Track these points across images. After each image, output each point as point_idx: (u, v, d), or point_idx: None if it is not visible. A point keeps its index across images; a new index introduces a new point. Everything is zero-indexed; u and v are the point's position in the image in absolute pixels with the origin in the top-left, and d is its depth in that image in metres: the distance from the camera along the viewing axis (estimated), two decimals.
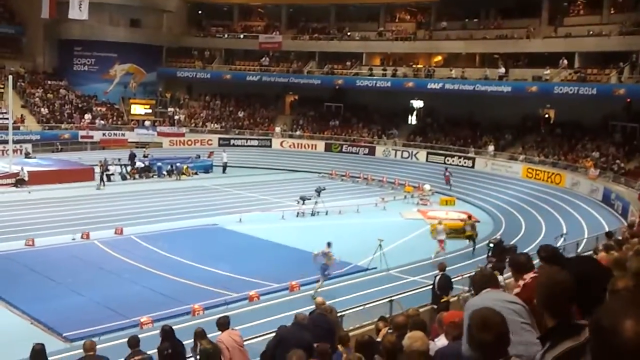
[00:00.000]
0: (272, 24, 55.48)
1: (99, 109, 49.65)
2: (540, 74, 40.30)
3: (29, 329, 15.20)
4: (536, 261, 5.48)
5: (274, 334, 9.26)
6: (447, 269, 15.28)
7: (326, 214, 29.90)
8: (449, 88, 43.81)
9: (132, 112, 50.69)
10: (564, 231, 24.04)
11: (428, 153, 43.81)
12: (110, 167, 37.08)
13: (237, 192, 35.39)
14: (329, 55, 51.19)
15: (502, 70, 42.08)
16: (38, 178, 34.32)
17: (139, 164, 39.42)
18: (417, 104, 49.92)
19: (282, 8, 54.96)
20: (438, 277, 14.67)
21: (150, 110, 51.19)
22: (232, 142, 48.73)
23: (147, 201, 31.82)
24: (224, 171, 41.97)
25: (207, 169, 42.26)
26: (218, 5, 56.69)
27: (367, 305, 13.79)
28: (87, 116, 47.63)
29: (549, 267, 3.41)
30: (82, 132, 45.74)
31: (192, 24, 57.50)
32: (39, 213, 28.04)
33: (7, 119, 39.24)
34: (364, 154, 46.13)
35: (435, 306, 13.13)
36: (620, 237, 14.66)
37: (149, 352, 9.80)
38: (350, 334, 8.93)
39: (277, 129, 50.15)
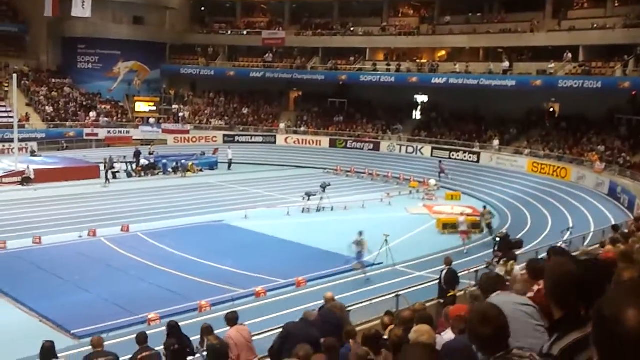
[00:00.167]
0: (275, 20, 55.44)
1: (103, 106, 49.75)
2: (544, 67, 40.18)
3: (37, 327, 15.28)
4: None
5: (281, 330, 9.29)
6: (453, 263, 15.28)
7: (332, 209, 29.92)
8: (453, 83, 43.75)
9: (137, 109, 50.76)
10: (570, 225, 23.98)
11: (433, 148, 43.75)
12: (115, 165, 37.19)
13: (242, 189, 35.43)
14: (333, 50, 51.14)
15: (507, 64, 41.98)
16: (44, 176, 34.43)
17: (143, 162, 39.48)
18: (422, 98, 49.82)
19: (285, 4, 54.91)
20: (444, 272, 14.68)
21: (154, 108, 51.26)
22: (236, 138, 48.77)
23: (153, 198, 31.89)
24: (229, 168, 42.02)
25: (212, 166, 42.31)
26: (221, 2, 56.74)
27: (374, 300, 13.82)
28: (92, 114, 47.72)
29: (557, 259, 3.41)
30: (87, 130, 45.83)
31: (195, 21, 57.52)
32: (46, 211, 28.14)
33: (12, 117, 39.34)
34: (369, 150, 46.11)
35: (442, 300, 13.16)
36: (626, 231, 14.64)
37: (156, 349, 9.85)
38: (357, 328, 8.96)
39: (282, 125, 50.16)
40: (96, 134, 45.88)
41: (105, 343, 9.98)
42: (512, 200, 32.53)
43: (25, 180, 33.82)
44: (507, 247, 18.58)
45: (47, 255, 21.24)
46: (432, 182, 35.44)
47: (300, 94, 54.64)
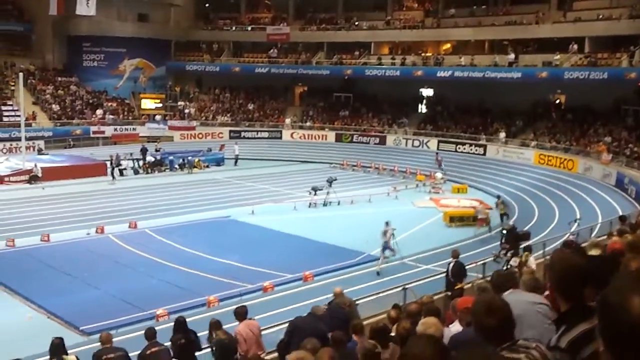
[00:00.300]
0: (280, 16, 55.38)
1: (109, 104, 49.85)
2: (550, 59, 40.02)
3: (46, 323, 15.37)
4: None
5: (288, 324, 9.33)
6: (460, 256, 15.28)
7: (338, 204, 29.94)
8: (458, 76, 43.63)
9: (143, 106, 50.85)
10: (578, 216, 23.92)
11: (439, 141, 43.66)
12: (122, 162, 37.29)
13: (249, 184, 35.47)
14: (337, 45, 51.06)
15: (512, 56, 41.84)
16: (51, 174, 34.56)
17: (150, 158, 39.57)
18: (427, 92, 49.75)
19: None
20: (452, 264, 14.70)
21: (160, 105, 51.35)
22: (242, 134, 48.82)
23: (160, 195, 31.96)
24: (235, 163, 42.07)
25: (219, 162, 42.37)
26: None
27: (381, 294, 13.84)
28: (99, 111, 47.85)
29: (562, 251, 3.42)
30: (93, 128, 45.98)
31: (199, 17, 57.52)
32: (53, 209, 28.26)
33: (19, 116, 39.51)
34: (375, 144, 46.08)
35: (450, 293, 13.17)
36: (634, 221, 14.60)
37: (165, 344, 9.89)
38: (365, 322, 8.97)
39: (287, 121, 50.15)
40: (103, 132, 46.03)
41: (114, 339, 10.05)
42: (519, 192, 32.47)
43: (33, 179, 33.96)
44: (514, 239, 18.57)
45: (55, 253, 21.34)
46: (439, 175, 35.41)
47: (306, 89, 54.64)
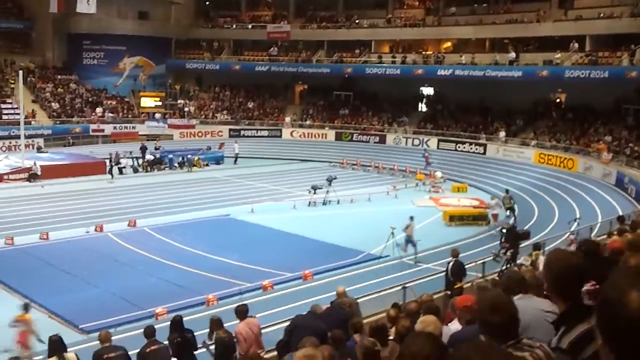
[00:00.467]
0: (280, 14, 55.36)
1: (109, 102, 49.85)
2: (550, 58, 40.01)
3: (45, 322, 15.32)
4: None
5: (289, 323, 9.31)
6: (460, 255, 15.26)
7: (338, 203, 29.92)
8: (459, 74, 43.62)
9: (142, 104, 50.82)
10: (577, 216, 23.93)
11: (439, 140, 43.66)
12: (121, 160, 37.28)
13: (248, 183, 35.46)
14: (338, 43, 51.05)
15: (513, 55, 41.80)
16: (51, 172, 34.54)
17: (149, 157, 39.56)
18: (427, 90, 49.75)
19: None
20: (451, 264, 14.68)
21: (160, 103, 51.33)
22: (242, 132, 48.80)
23: (159, 193, 31.95)
24: (235, 162, 42.06)
25: (218, 160, 42.35)
26: None
27: (381, 293, 13.83)
28: (99, 109, 47.84)
29: (558, 251, 3.40)
30: (93, 126, 45.97)
31: (199, 15, 57.52)
32: (53, 207, 28.25)
33: (19, 114, 39.48)
34: (375, 143, 46.07)
35: (449, 292, 13.16)
36: (634, 220, 14.58)
37: (164, 343, 9.88)
38: (365, 321, 8.96)
39: (287, 119, 50.14)
40: (102, 130, 46.02)
41: (113, 337, 10.02)
42: (518, 191, 32.41)
43: (32, 177, 33.94)
44: (514, 238, 18.55)
45: (54, 251, 21.33)
46: (439, 174, 35.39)
47: (306, 87, 54.62)
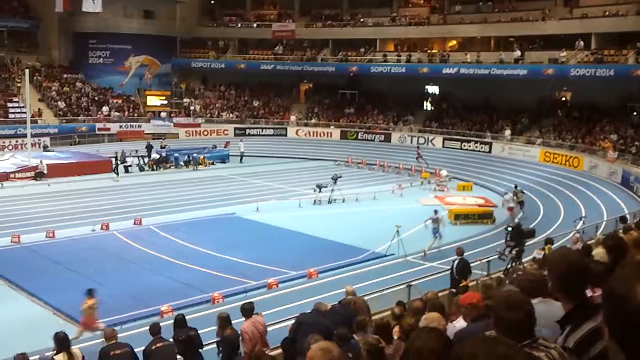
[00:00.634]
0: (285, 12, 55.37)
1: (115, 101, 49.96)
2: (556, 56, 39.90)
3: (51, 319, 15.40)
4: None
5: (294, 320, 9.33)
6: (465, 253, 15.25)
7: (343, 201, 29.92)
8: (464, 73, 43.54)
9: (148, 103, 50.94)
10: (583, 214, 23.88)
11: (444, 139, 43.62)
12: (127, 159, 37.36)
13: (253, 182, 35.50)
14: (343, 42, 51.04)
15: (518, 53, 41.72)
16: (57, 171, 34.65)
17: (155, 155, 39.65)
18: (433, 89, 49.69)
19: None
20: (456, 262, 14.67)
21: (165, 102, 51.44)
22: (247, 131, 48.86)
23: (165, 192, 32.01)
24: (241, 161, 42.11)
25: (224, 159, 42.40)
26: None
27: (386, 291, 13.83)
28: (105, 108, 47.98)
29: (561, 250, 3.40)
30: (99, 125, 46.10)
31: (205, 14, 57.57)
32: (59, 205, 28.33)
33: (25, 113, 39.62)
34: (380, 141, 46.05)
35: (454, 290, 13.15)
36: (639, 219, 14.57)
37: (169, 340, 9.91)
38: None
39: (293, 118, 50.16)
40: (108, 129, 46.16)
41: (119, 335, 10.07)
42: (524, 190, 32.35)
43: (39, 175, 34.06)
44: (519, 236, 18.51)
45: (60, 249, 21.41)
46: (444, 172, 35.39)
47: (311, 86, 54.62)
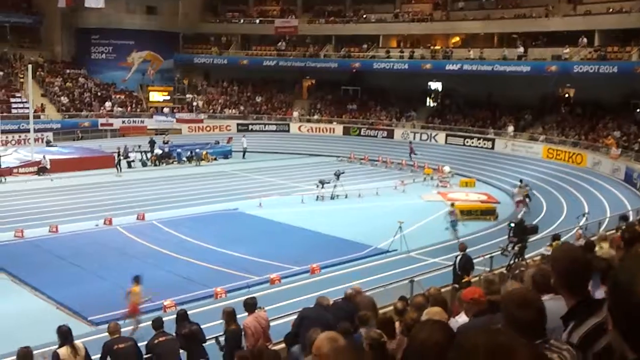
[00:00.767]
0: (288, 8, 55.30)
1: (117, 96, 49.99)
2: (559, 53, 39.81)
3: (54, 313, 15.45)
4: None
5: (297, 315, 9.36)
6: (467, 249, 15.26)
7: (345, 197, 29.93)
8: (467, 69, 43.47)
9: (151, 99, 50.99)
10: (586, 211, 23.87)
11: (447, 135, 43.58)
12: (130, 154, 37.42)
13: (256, 177, 35.52)
14: (346, 38, 50.98)
15: (521, 49, 41.64)
16: (60, 166, 34.74)
17: (158, 151, 39.69)
18: (435, 85, 49.63)
19: None
20: (459, 258, 14.68)
21: (168, 97, 51.49)
22: (250, 127, 48.88)
23: (168, 187, 32.05)
24: (243, 156, 42.13)
25: (226, 155, 42.45)
26: None
27: (388, 287, 13.84)
28: (108, 104, 48.02)
29: (563, 246, 3.41)
30: (101, 120, 46.15)
31: (207, 10, 57.50)
32: (62, 200, 28.39)
33: (28, 108, 39.68)
34: (383, 137, 46.02)
35: (457, 286, 13.16)
36: None
37: (172, 334, 9.95)
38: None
39: (295, 114, 50.16)
40: (111, 124, 46.20)
41: (122, 329, 10.10)
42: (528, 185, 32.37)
43: (42, 170, 34.13)
44: (522, 233, 18.52)
45: (63, 244, 21.45)
46: (447, 169, 35.38)
47: (314, 82, 54.59)
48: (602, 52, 37.89)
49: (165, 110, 49.73)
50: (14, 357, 8.41)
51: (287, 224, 24.93)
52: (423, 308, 6.59)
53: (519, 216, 24.37)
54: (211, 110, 51.36)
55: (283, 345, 9.32)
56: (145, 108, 50.00)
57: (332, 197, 29.78)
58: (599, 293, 3.41)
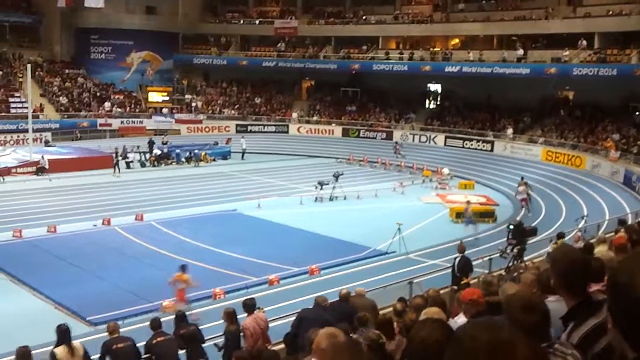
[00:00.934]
0: (288, 9, 55.33)
1: (116, 96, 49.97)
2: (559, 55, 39.82)
3: (52, 314, 15.43)
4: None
5: (296, 316, 9.35)
6: (466, 251, 15.24)
7: (344, 198, 29.93)
8: (466, 71, 43.48)
9: (150, 99, 50.97)
10: (585, 213, 23.87)
11: (446, 137, 43.59)
12: (129, 155, 37.40)
13: (255, 178, 35.51)
14: (345, 39, 51.00)
15: (521, 52, 41.64)
16: (58, 166, 34.71)
17: (157, 151, 39.68)
18: (435, 87, 49.64)
19: None
20: (458, 259, 14.67)
21: (167, 98, 51.47)
22: (249, 128, 48.87)
23: (167, 188, 32.04)
24: (242, 157, 42.13)
25: (225, 156, 42.45)
26: None
27: (387, 288, 13.83)
28: (107, 104, 47.99)
29: (563, 247, 3.41)
30: (100, 120, 46.10)
31: (207, 10, 57.50)
32: (60, 200, 28.38)
33: (27, 108, 39.66)
34: (382, 139, 46.03)
35: (456, 287, 13.15)
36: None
37: (170, 334, 9.93)
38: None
39: (294, 115, 50.16)
40: (110, 124, 46.17)
41: (120, 330, 10.08)
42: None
43: (40, 170, 34.10)
44: (520, 235, 18.50)
45: (62, 244, 21.42)
46: (446, 171, 35.38)
47: (313, 83, 54.61)
48: (602, 55, 37.91)
49: (164, 110, 49.70)
50: (13, 356, 8.41)
51: (285, 225, 24.92)
52: (422, 309, 6.58)
53: (521, 216, 24.40)
54: (210, 111, 51.35)
55: (282, 345, 9.31)
56: (144, 108, 49.98)
57: (331, 199, 29.78)
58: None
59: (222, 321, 10.30)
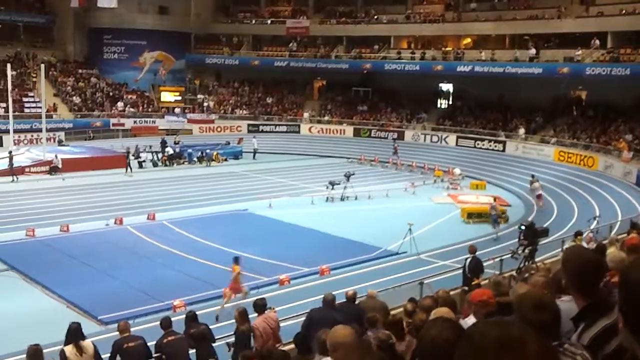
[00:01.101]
0: (299, 9, 55.38)
1: (129, 96, 50.23)
2: (571, 54, 39.58)
3: (64, 312, 15.51)
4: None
5: (305, 316, 9.35)
6: (477, 252, 15.19)
7: (355, 198, 29.91)
8: (478, 70, 43.32)
9: (162, 99, 51.20)
10: (597, 214, 23.71)
11: (458, 137, 43.46)
12: (141, 154, 37.58)
13: (266, 178, 35.56)
14: (357, 39, 50.97)
15: (533, 51, 41.44)
16: (71, 165, 34.91)
17: (169, 151, 39.83)
18: (447, 87, 49.51)
19: None
20: (469, 260, 14.63)
21: (179, 98, 51.66)
22: (261, 128, 48.96)
23: (179, 187, 32.15)
24: (254, 157, 42.21)
25: (237, 155, 42.55)
26: None
27: (398, 288, 13.81)
28: (120, 104, 48.23)
29: (575, 247, 3.39)
30: (113, 120, 46.37)
31: (219, 10, 57.68)
32: (73, 199, 28.54)
33: (40, 107, 39.93)
34: (393, 139, 45.92)
35: (466, 288, 13.11)
36: None
37: (181, 333, 9.96)
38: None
39: (306, 115, 50.18)
40: (122, 124, 46.42)
41: (131, 329, 10.12)
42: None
43: (53, 170, 34.32)
44: (532, 235, 18.42)
45: (74, 243, 21.55)
46: (457, 171, 35.28)
47: (324, 83, 54.61)
48: (615, 54, 37.65)
49: (177, 110, 49.89)
50: (24, 355, 8.46)
51: (296, 225, 24.94)
52: (431, 310, 6.57)
53: (533, 215, 24.31)
54: (222, 111, 51.49)
55: (293, 346, 9.31)
56: (157, 108, 50.21)
57: (342, 199, 29.77)
58: None
59: (233, 321, 10.33)
